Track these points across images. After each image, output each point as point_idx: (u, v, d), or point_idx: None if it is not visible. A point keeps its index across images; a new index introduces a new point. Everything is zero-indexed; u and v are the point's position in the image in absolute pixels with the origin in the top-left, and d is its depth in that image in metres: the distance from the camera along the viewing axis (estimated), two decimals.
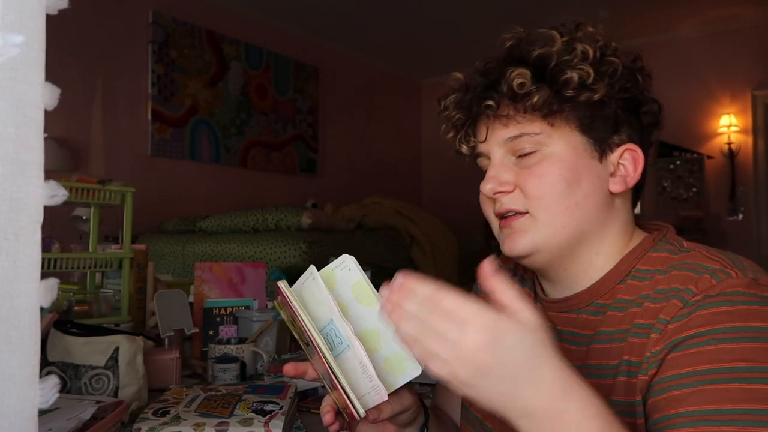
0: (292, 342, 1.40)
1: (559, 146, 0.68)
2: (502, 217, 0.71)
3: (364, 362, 0.58)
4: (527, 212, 0.68)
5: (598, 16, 0.71)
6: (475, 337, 0.47)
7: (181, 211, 3.65)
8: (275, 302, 0.66)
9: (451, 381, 0.48)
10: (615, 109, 0.68)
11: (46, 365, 0.94)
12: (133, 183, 1.53)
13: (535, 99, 0.65)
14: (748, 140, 4.61)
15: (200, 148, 4.00)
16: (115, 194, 1.33)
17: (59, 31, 2.97)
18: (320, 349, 0.57)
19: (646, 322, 0.62)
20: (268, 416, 0.80)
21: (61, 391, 0.45)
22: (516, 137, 0.68)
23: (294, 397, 0.92)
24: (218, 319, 1.37)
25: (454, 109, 0.74)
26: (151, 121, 3.70)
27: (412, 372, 0.62)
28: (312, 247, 2.52)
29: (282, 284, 0.61)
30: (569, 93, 0.66)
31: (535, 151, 0.68)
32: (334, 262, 0.65)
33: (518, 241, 0.69)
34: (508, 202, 0.70)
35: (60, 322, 1.02)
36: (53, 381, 0.39)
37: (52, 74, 0.39)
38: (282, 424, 0.79)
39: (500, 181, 0.70)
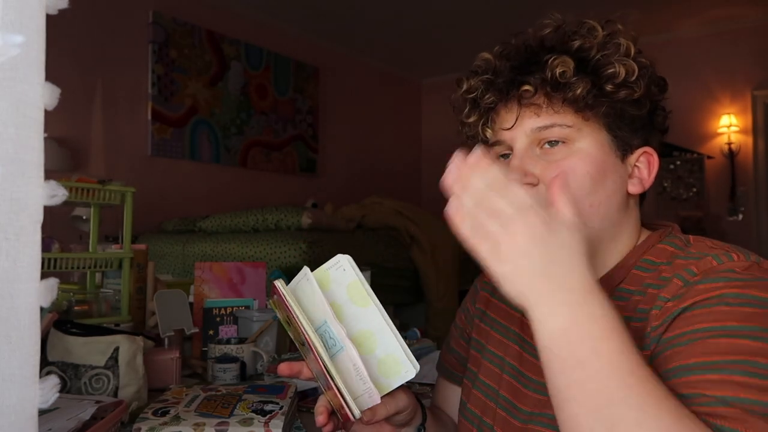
0: (292, 342, 1.40)
1: (587, 142, 0.66)
2: None
3: (357, 365, 0.58)
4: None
5: (628, 17, 0.70)
6: (532, 220, 0.49)
7: (181, 211, 3.65)
8: (271, 301, 0.66)
9: (490, 254, 0.49)
10: (644, 110, 0.67)
11: (46, 365, 0.94)
12: (133, 183, 1.53)
13: (578, 90, 0.63)
14: (748, 140, 4.61)
15: (200, 148, 4.00)
16: (115, 194, 1.33)
17: (59, 31, 2.97)
18: (316, 349, 0.58)
19: (648, 306, 0.61)
20: (268, 416, 0.80)
21: (61, 391, 0.44)
22: (547, 127, 0.66)
23: (294, 397, 0.92)
24: (218, 319, 1.37)
25: (485, 90, 0.70)
26: (151, 121, 3.70)
27: (407, 374, 0.62)
28: (312, 247, 2.52)
29: (279, 283, 0.61)
30: (609, 88, 0.64)
31: (564, 144, 0.66)
32: (328, 262, 0.65)
33: None
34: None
35: (60, 322, 1.02)
36: (53, 381, 0.39)
37: (52, 74, 0.39)
38: (282, 424, 0.79)
39: (526, 173, 0.66)
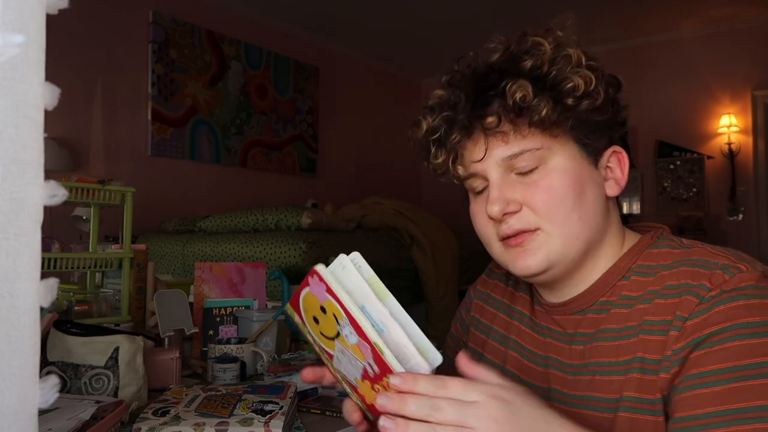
0: (292, 342, 1.40)
1: (560, 158, 0.66)
2: (507, 237, 0.68)
3: (403, 342, 0.56)
4: (538, 228, 0.66)
5: (566, 21, 0.69)
6: (495, 411, 0.48)
7: (181, 211, 3.65)
8: (289, 306, 0.62)
9: None
10: (607, 114, 0.67)
11: (46, 365, 0.94)
12: (133, 183, 1.53)
13: (543, 112, 0.62)
14: (748, 140, 4.60)
15: (200, 148, 4.00)
16: (115, 194, 1.33)
17: (59, 31, 2.97)
18: (364, 328, 0.54)
19: (658, 318, 0.61)
20: (268, 416, 0.80)
21: (61, 391, 0.45)
22: (516, 155, 0.65)
23: (294, 397, 0.92)
24: (218, 319, 1.37)
25: (448, 129, 0.68)
26: (151, 121, 3.70)
27: (435, 361, 0.60)
28: (312, 247, 2.52)
29: (321, 268, 0.57)
30: (571, 101, 0.63)
31: (537, 167, 0.66)
32: (341, 257, 0.63)
33: (532, 259, 0.67)
34: (517, 223, 0.67)
35: (60, 321, 1.02)
36: (53, 381, 0.39)
37: (52, 74, 0.39)
38: (282, 424, 0.79)
39: (507, 201, 0.66)
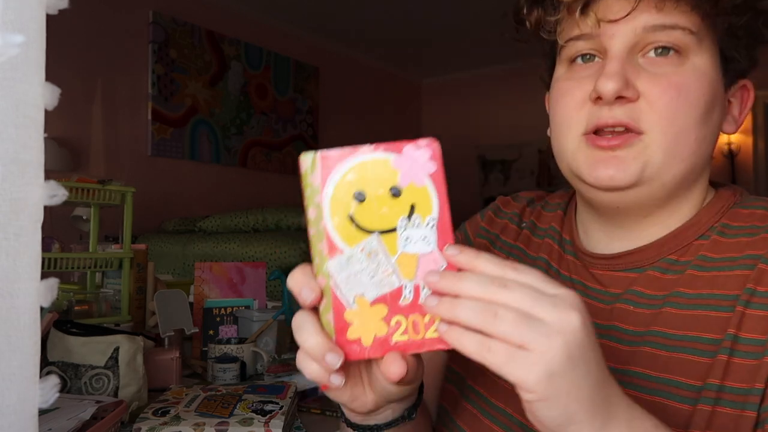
0: (292, 342, 1.40)
1: (705, 58, 0.53)
2: (597, 132, 0.53)
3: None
4: (643, 133, 0.52)
5: None
6: (576, 314, 0.37)
7: (181, 211, 3.65)
8: (311, 159, 0.42)
9: (537, 378, 0.36)
10: (762, 36, 0.55)
11: (46, 365, 0.94)
12: (133, 183, 1.53)
13: None
14: (748, 140, 4.60)
15: (200, 148, 4.00)
16: (115, 194, 1.33)
17: (59, 31, 2.97)
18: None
19: (764, 289, 0.49)
20: (268, 416, 0.80)
21: (61, 391, 0.45)
22: (666, 27, 0.51)
23: (294, 397, 0.92)
24: (218, 319, 1.37)
25: None
26: (151, 121, 3.70)
27: None
28: None
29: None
30: None
31: (677, 55, 0.52)
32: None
33: (622, 169, 0.52)
34: (625, 114, 0.52)
35: (60, 321, 1.02)
36: (53, 381, 0.39)
37: (52, 74, 0.39)
38: (282, 424, 0.79)
39: (627, 83, 0.51)
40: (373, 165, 0.41)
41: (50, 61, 0.39)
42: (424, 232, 0.41)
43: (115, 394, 0.92)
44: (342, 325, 0.42)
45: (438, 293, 0.39)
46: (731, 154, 4.63)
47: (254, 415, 0.81)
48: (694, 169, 0.55)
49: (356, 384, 0.47)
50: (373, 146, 0.42)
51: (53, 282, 0.39)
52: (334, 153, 0.42)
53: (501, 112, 5.42)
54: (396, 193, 0.41)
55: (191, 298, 1.41)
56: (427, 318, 0.40)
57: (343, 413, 0.53)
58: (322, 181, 0.42)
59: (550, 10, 0.56)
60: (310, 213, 0.42)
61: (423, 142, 0.41)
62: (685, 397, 0.50)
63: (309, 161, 0.42)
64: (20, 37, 0.36)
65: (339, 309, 0.42)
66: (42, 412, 0.62)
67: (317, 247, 0.42)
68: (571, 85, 0.56)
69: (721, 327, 0.50)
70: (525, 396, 0.37)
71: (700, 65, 0.52)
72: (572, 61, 0.56)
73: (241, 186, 4.27)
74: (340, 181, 0.42)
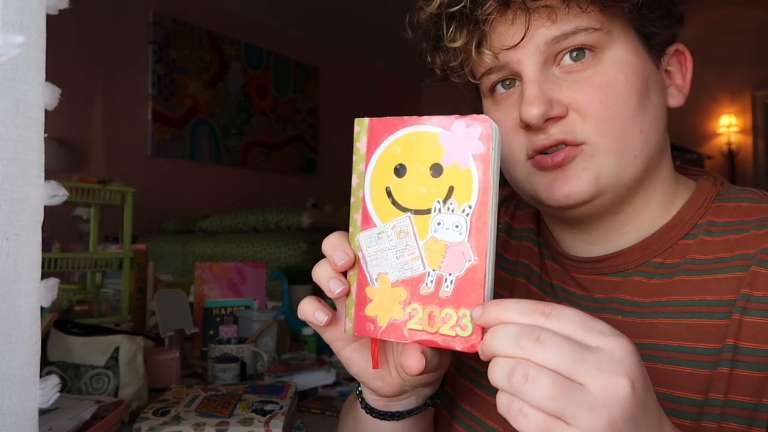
0: (292, 342, 1.40)
1: (620, 48, 0.50)
2: (541, 152, 0.51)
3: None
4: (584, 143, 0.49)
5: None
6: (625, 379, 0.32)
7: (181, 211, 3.65)
8: (363, 122, 0.43)
9: None
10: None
11: (46, 365, 0.94)
12: (133, 183, 1.53)
13: None
14: (748, 140, 4.61)
15: (200, 148, 4.00)
16: (115, 194, 1.33)
17: (59, 31, 2.97)
18: (489, 240, 0.38)
19: (760, 294, 0.46)
20: (268, 416, 0.80)
21: (61, 391, 0.45)
22: (567, 35, 0.49)
23: (294, 397, 0.92)
24: (218, 319, 1.37)
25: None
26: (151, 121, 3.70)
27: None
28: (312, 247, 2.52)
29: (495, 127, 0.38)
30: None
31: (591, 54, 0.49)
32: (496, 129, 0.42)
33: (576, 183, 0.50)
34: (561, 132, 0.49)
35: (60, 321, 1.02)
36: (53, 381, 0.39)
37: (52, 74, 0.39)
38: (282, 424, 0.79)
39: (551, 102, 0.49)
40: (421, 138, 0.39)
41: (50, 61, 0.39)
42: (457, 220, 0.38)
43: (115, 394, 0.92)
44: (362, 299, 0.41)
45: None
46: (731, 154, 4.63)
47: (254, 415, 0.81)
48: (651, 160, 0.52)
49: (383, 364, 0.47)
50: (425, 117, 0.40)
51: (53, 282, 0.39)
52: (384, 121, 0.41)
53: None
54: (437, 171, 0.39)
55: (191, 298, 1.42)
56: (444, 312, 0.39)
57: (363, 400, 0.52)
58: (368, 150, 0.42)
59: (450, 56, 0.55)
60: (354, 180, 0.42)
61: (476, 118, 0.38)
62: (687, 413, 0.47)
63: (360, 127, 0.42)
64: (20, 37, 0.36)
65: (362, 282, 0.41)
66: (42, 412, 0.62)
67: (354, 217, 0.42)
68: (500, 116, 0.54)
69: (718, 336, 0.47)
70: None
71: (618, 56, 0.50)
72: (492, 90, 0.55)
73: (241, 186, 4.27)
74: (384, 152, 0.41)
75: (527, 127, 0.51)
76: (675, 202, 0.55)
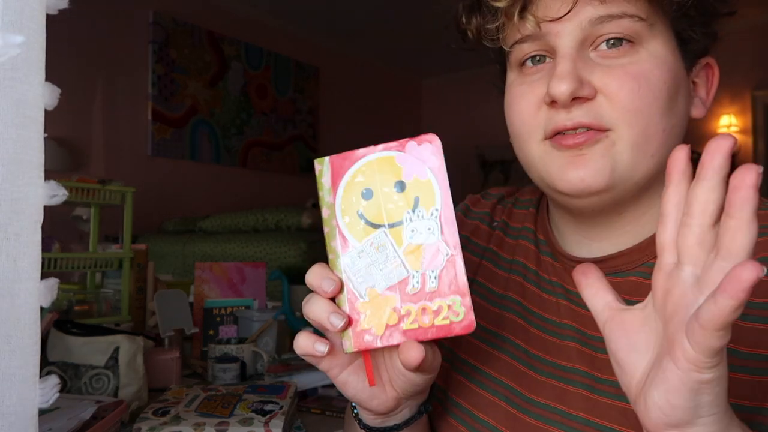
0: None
1: (660, 43, 0.49)
2: (557, 134, 0.50)
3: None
4: (609, 129, 0.48)
5: None
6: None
7: (181, 211, 3.65)
8: (324, 162, 0.46)
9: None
10: (716, 12, 0.52)
11: (46, 365, 0.94)
12: (133, 183, 1.53)
13: None
14: (748, 140, 4.61)
15: (200, 148, 4.00)
16: (115, 194, 1.33)
17: (59, 31, 2.97)
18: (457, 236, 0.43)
19: (761, 300, 0.46)
20: (268, 416, 0.80)
21: (61, 391, 0.45)
22: (613, 18, 0.47)
23: (294, 397, 0.92)
24: (218, 319, 1.37)
25: None
26: (151, 121, 3.70)
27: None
28: (312, 247, 2.52)
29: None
30: None
31: (630, 45, 0.48)
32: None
33: (592, 168, 0.49)
34: (585, 115, 0.48)
35: (60, 321, 1.02)
36: (53, 381, 0.39)
37: (52, 74, 0.39)
38: (282, 424, 0.79)
39: (581, 81, 0.48)
40: (380, 163, 0.44)
41: (50, 61, 0.39)
42: (428, 223, 0.42)
43: (115, 394, 0.92)
44: (355, 316, 0.44)
45: None
46: (731, 155, 4.63)
47: (254, 415, 0.81)
48: (665, 162, 0.51)
49: (377, 381, 0.48)
50: (380, 146, 0.44)
51: (53, 282, 0.39)
52: (343, 156, 0.44)
53: (501, 112, 5.41)
54: (401, 188, 0.43)
55: (191, 298, 1.42)
56: (435, 305, 0.41)
57: (361, 420, 0.52)
58: (333, 184, 0.45)
59: (488, 18, 0.53)
60: (324, 212, 0.45)
61: (424, 137, 0.43)
62: None
63: (321, 165, 0.45)
64: (20, 37, 0.36)
65: (352, 300, 0.44)
66: (42, 412, 0.62)
67: (331, 245, 0.45)
68: (524, 89, 0.53)
69: None
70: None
71: (656, 51, 0.49)
72: (522, 64, 0.53)
73: (241, 186, 4.27)
74: (349, 181, 0.44)
75: (552, 103, 0.50)
76: None
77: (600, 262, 0.55)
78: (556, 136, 0.50)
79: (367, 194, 0.44)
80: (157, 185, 3.70)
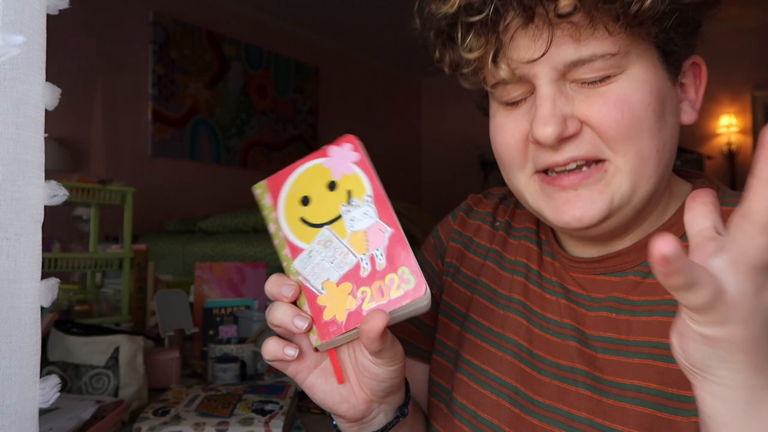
0: None
1: (639, 67, 0.48)
2: (547, 172, 0.50)
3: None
4: (607, 160, 0.48)
5: None
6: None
7: (181, 211, 3.65)
8: (262, 186, 0.50)
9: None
10: (709, 7, 0.51)
11: (46, 365, 0.94)
12: (133, 183, 1.53)
13: (648, 1, 0.44)
14: (748, 141, 4.61)
15: (200, 148, 4.00)
16: (115, 194, 1.33)
17: (60, 31, 2.97)
18: (393, 213, 0.46)
19: None
20: (268, 416, 0.80)
21: (61, 391, 0.45)
22: (585, 61, 0.47)
23: (294, 397, 0.92)
24: (218, 319, 1.37)
25: (498, 8, 0.47)
26: (151, 121, 3.70)
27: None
28: None
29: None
30: None
31: (609, 77, 0.48)
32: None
33: (592, 206, 0.49)
34: (575, 149, 0.48)
35: (60, 321, 1.02)
36: (54, 380, 0.39)
37: (52, 74, 0.39)
38: (282, 423, 0.79)
39: (565, 119, 0.48)
40: (310, 172, 0.49)
41: (50, 61, 0.39)
42: (364, 209, 0.46)
43: (115, 394, 0.92)
44: (317, 311, 0.46)
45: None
46: (731, 155, 4.63)
47: (254, 415, 0.81)
48: (662, 180, 0.51)
49: (346, 379, 0.49)
50: (306, 158, 0.49)
51: (53, 282, 0.39)
52: (276, 176, 0.49)
53: None
54: (333, 187, 0.47)
55: (191, 298, 1.42)
56: (387, 279, 0.44)
57: (339, 431, 0.53)
58: (273, 201, 0.49)
59: (462, 63, 0.52)
60: (271, 228, 0.49)
61: (342, 139, 0.48)
62: (679, 409, 0.47)
63: (259, 189, 0.50)
64: (21, 37, 0.36)
65: (312, 298, 0.46)
66: (42, 412, 0.62)
67: (282, 254, 0.48)
68: (509, 123, 0.52)
69: None
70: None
71: (636, 75, 0.48)
72: (504, 102, 0.53)
73: (241, 186, 4.27)
74: (288, 195, 0.49)
75: (538, 143, 0.50)
76: (671, 204, 0.55)
77: (599, 262, 0.56)
78: (548, 174, 0.50)
79: (306, 201, 0.48)
80: (157, 185, 3.70)
